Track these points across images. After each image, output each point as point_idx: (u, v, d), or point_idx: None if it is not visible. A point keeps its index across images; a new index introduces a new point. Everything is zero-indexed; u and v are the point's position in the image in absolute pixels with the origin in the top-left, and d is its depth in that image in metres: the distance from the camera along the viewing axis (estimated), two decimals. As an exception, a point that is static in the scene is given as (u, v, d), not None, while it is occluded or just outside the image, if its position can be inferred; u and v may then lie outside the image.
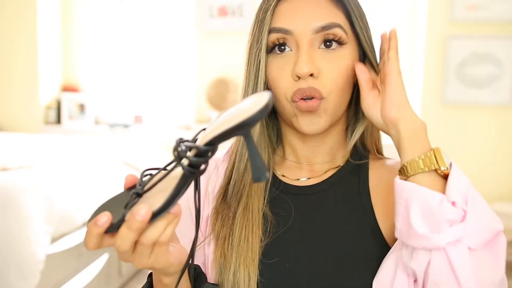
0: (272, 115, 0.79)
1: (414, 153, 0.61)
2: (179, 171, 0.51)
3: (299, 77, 0.68)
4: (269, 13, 0.71)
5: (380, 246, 0.68)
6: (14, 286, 1.71)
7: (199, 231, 0.73)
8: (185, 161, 0.49)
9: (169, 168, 0.53)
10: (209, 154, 0.49)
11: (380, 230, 0.69)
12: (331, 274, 0.66)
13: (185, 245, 0.64)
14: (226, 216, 0.71)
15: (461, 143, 3.21)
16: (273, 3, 0.71)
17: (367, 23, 0.73)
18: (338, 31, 0.69)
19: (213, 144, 0.47)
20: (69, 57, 3.71)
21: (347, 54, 0.70)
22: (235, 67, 3.32)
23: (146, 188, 0.52)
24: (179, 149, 0.49)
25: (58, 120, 3.65)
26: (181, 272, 0.59)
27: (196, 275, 0.66)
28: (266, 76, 0.72)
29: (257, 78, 0.72)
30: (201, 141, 0.49)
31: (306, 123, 0.70)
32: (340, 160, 0.78)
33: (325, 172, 0.77)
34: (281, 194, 0.74)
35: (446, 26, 3.15)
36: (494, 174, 3.19)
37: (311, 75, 0.67)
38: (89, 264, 2.20)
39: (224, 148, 0.76)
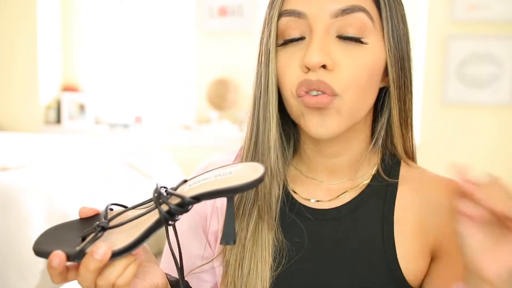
0: (286, 118, 0.65)
1: None
2: (151, 215, 0.50)
3: (308, 69, 0.56)
4: None
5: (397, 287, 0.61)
6: (14, 286, 1.71)
7: (208, 247, 0.70)
8: (164, 207, 0.48)
9: (142, 209, 0.52)
10: (190, 207, 0.49)
11: (400, 271, 0.61)
12: None
13: (185, 259, 0.61)
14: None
15: (461, 143, 3.21)
16: None
17: (399, 13, 0.59)
18: (361, 17, 0.56)
19: (198, 199, 0.48)
20: (69, 57, 3.71)
21: (372, 47, 0.58)
22: (235, 67, 3.31)
23: (111, 224, 0.51)
24: (160, 194, 0.49)
25: (58, 120, 3.65)
26: None
27: None
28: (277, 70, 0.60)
29: (268, 72, 0.60)
30: (187, 193, 0.49)
31: (314, 124, 0.58)
32: (365, 176, 0.66)
33: (345, 192, 0.65)
34: (294, 216, 0.65)
35: (446, 26, 3.15)
36: (494, 174, 3.19)
37: (324, 67, 0.55)
38: (89, 264, 2.19)
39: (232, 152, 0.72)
